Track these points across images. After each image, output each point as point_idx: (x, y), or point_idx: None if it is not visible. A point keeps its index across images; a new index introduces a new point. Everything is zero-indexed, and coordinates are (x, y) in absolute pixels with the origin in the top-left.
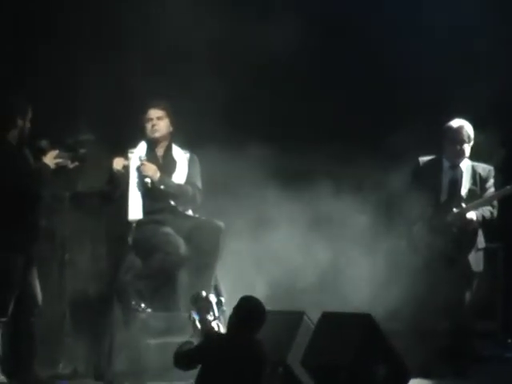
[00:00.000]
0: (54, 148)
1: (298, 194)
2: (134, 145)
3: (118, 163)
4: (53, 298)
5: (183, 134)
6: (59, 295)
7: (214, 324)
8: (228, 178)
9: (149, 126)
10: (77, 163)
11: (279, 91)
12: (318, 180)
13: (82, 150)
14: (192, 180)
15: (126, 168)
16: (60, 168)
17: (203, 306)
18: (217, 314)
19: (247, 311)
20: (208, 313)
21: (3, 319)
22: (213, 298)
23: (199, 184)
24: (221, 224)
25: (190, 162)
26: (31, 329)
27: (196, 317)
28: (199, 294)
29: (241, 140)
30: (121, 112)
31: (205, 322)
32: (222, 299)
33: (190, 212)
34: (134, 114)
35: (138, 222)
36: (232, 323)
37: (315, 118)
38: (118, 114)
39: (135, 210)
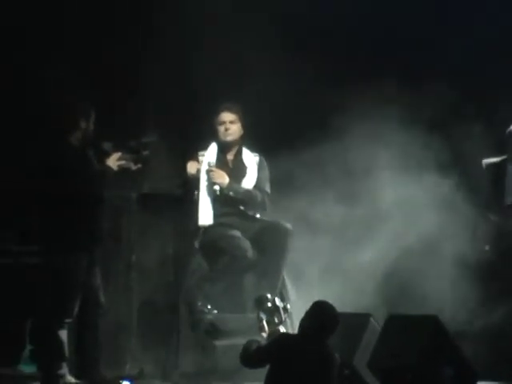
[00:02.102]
0: (117, 150)
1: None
2: (201, 146)
3: (192, 167)
4: (120, 298)
5: (253, 135)
6: (126, 296)
7: (280, 328)
8: (300, 180)
9: (221, 129)
10: (140, 165)
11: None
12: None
13: (145, 152)
14: (261, 185)
15: (198, 172)
16: (123, 170)
17: (269, 308)
18: (283, 318)
19: (321, 316)
20: (274, 316)
21: (69, 320)
22: (279, 303)
23: (268, 189)
24: (288, 226)
25: (260, 166)
26: (96, 330)
27: (264, 317)
28: (264, 296)
29: (313, 140)
30: (185, 113)
31: (272, 324)
32: (288, 306)
33: (257, 215)
34: (198, 115)
35: (207, 226)
36: (305, 326)
37: None
38: (183, 116)
39: (206, 215)
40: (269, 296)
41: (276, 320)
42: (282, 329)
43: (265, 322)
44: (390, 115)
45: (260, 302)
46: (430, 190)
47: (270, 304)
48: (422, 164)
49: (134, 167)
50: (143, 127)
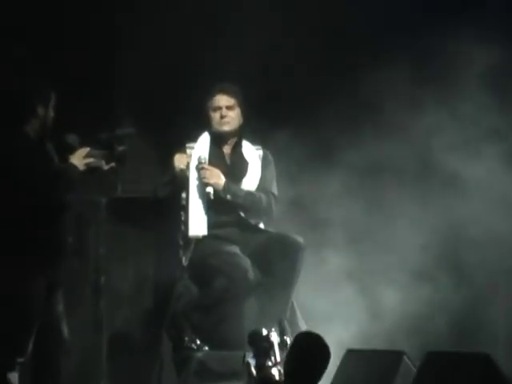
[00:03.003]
0: (84, 145)
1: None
2: (189, 138)
3: (180, 160)
4: (85, 331)
5: (254, 124)
6: (94, 328)
7: (273, 371)
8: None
9: (216, 116)
10: (113, 164)
11: None
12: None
13: (120, 148)
14: (266, 185)
15: (188, 167)
16: (92, 169)
17: (263, 348)
18: (278, 358)
19: (305, 351)
20: (268, 356)
21: (21, 360)
22: (275, 338)
23: (274, 189)
24: (300, 239)
25: (264, 161)
26: (56, 371)
27: (251, 361)
28: (258, 333)
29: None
30: (169, 99)
31: (262, 368)
32: (287, 339)
33: (261, 225)
34: (185, 101)
35: (198, 239)
36: (288, 369)
37: None
38: (166, 102)
39: (196, 224)
40: (264, 332)
41: (269, 362)
42: (277, 372)
43: (253, 368)
44: None
45: (252, 341)
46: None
47: (264, 342)
48: None
49: (105, 166)
50: (118, 116)
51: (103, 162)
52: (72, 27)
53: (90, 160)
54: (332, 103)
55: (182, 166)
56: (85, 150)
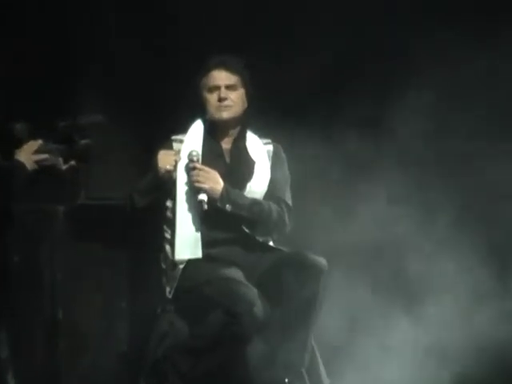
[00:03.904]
0: (35, 136)
1: None
2: (176, 128)
3: (166, 160)
4: (39, 380)
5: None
6: (49, 376)
7: None
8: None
9: (213, 98)
10: (73, 161)
11: None
12: None
13: (83, 141)
14: (277, 191)
15: (175, 168)
16: (45, 169)
17: None
18: None
19: None
20: None
21: None
22: None
23: (288, 197)
24: (321, 261)
25: (275, 159)
26: None
27: None
28: None
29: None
30: (151, 78)
31: None
32: None
33: (271, 243)
34: (173, 82)
35: (188, 261)
36: None
37: None
38: (147, 83)
39: (185, 242)
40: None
41: None
42: None
43: None
44: None
45: None
46: None
47: None
48: None
49: (63, 165)
50: (81, 101)
51: (60, 160)
52: None
53: (43, 156)
54: None
55: (169, 167)
56: (35, 144)
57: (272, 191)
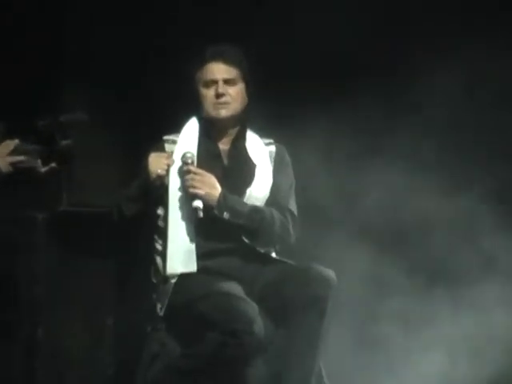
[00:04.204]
0: (11, 135)
1: None
2: (168, 128)
3: (158, 163)
4: None
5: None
6: None
7: None
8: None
9: (209, 94)
10: (53, 165)
11: None
12: None
13: (66, 142)
14: (280, 198)
15: (168, 172)
16: (22, 171)
17: None
18: None
19: None
20: None
21: None
22: None
23: (293, 205)
24: (329, 273)
25: (278, 162)
26: None
27: None
28: None
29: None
30: (140, 72)
31: None
32: None
33: (273, 254)
34: (164, 76)
35: (181, 275)
36: None
37: None
38: (135, 77)
39: (178, 255)
40: None
41: None
42: None
43: None
44: None
45: None
46: None
47: None
48: None
49: (42, 167)
50: (64, 98)
51: (39, 162)
52: None
53: (19, 158)
54: None
55: (160, 171)
56: (11, 143)
57: (274, 197)
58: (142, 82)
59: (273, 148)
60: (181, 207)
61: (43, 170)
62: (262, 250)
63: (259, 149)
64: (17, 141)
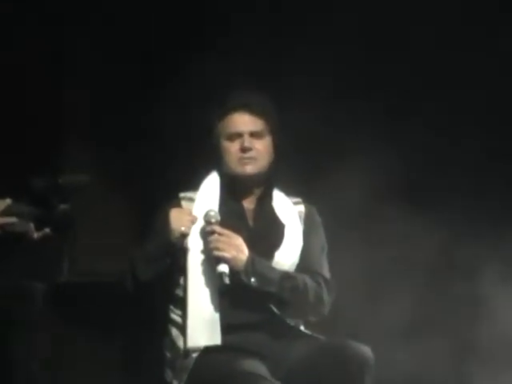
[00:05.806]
0: (3, 195)
1: None
2: (184, 185)
3: (181, 220)
4: None
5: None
6: None
7: None
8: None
9: (233, 148)
10: (48, 230)
11: None
12: None
13: (64, 206)
14: (312, 262)
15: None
16: (14, 236)
17: None
18: None
19: None
20: None
21: None
22: None
23: (326, 270)
24: (366, 351)
25: (308, 223)
26: None
27: None
28: None
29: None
30: (151, 121)
31: None
32: None
33: (302, 327)
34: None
35: (202, 351)
36: None
37: None
38: (145, 127)
39: (200, 328)
40: None
41: None
42: None
43: None
44: None
45: None
46: None
47: None
48: None
49: (35, 234)
50: (65, 154)
51: (31, 226)
52: None
53: (9, 220)
54: None
55: (184, 229)
56: (2, 203)
57: (305, 262)
58: (157, 133)
59: (302, 208)
60: (203, 272)
61: (36, 236)
62: (292, 323)
63: (288, 208)
64: (8, 200)
